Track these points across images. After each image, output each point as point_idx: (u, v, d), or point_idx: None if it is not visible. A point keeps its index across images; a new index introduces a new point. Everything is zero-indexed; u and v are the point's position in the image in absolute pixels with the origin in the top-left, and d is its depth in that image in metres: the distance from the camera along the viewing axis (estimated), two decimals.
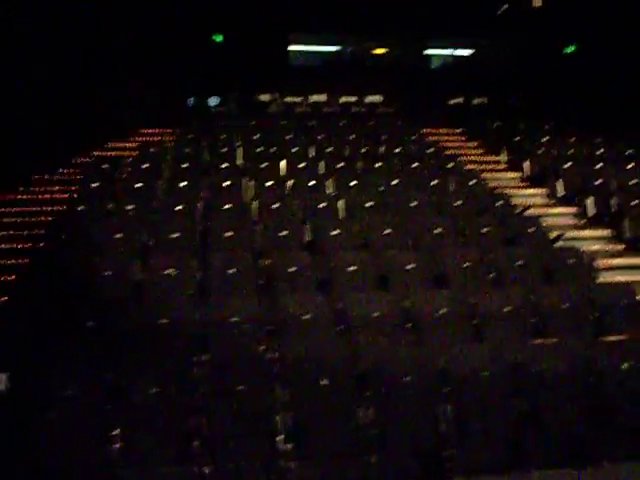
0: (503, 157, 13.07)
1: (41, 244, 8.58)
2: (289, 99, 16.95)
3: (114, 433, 4.89)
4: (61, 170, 11.57)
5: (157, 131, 13.77)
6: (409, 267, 7.31)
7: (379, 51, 18.68)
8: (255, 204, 9.14)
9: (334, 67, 18.09)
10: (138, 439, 4.95)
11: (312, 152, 11.95)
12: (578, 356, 5.73)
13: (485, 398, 5.41)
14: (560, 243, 8.80)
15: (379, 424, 5.23)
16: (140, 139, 13.37)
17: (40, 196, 10.60)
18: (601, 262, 8.68)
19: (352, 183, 10.07)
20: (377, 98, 16.93)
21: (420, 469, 5.23)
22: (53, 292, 6.72)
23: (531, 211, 10.01)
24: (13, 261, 8.52)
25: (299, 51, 18.41)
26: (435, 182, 10.38)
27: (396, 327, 6.29)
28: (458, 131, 14.94)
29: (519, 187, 11.85)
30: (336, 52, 18.76)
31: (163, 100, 14.88)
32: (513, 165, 12.64)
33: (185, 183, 9.87)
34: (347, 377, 5.36)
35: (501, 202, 9.91)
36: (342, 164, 11.01)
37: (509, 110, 16.88)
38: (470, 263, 7.49)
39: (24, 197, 10.65)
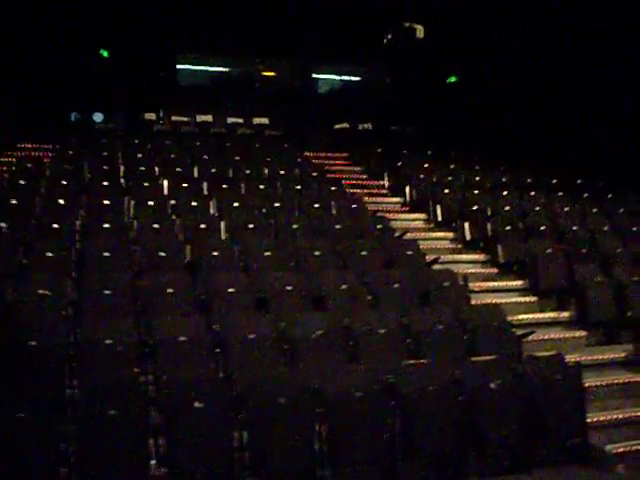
0: (385, 182, 13.38)
1: None
2: (176, 118, 16.80)
3: None
4: None
5: (36, 146, 13.30)
6: (288, 288, 7.35)
7: (268, 74, 18.82)
8: (135, 223, 8.97)
9: (222, 88, 18.08)
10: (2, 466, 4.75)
11: (196, 172, 11.86)
12: (449, 376, 5.92)
13: (359, 418, 5.49)
14: (437, 266, 9.05)
15: (254, 446, 5.23)
16: (17, 154, 12.85)
17: None
18: (475, 285, 9.00)
19: (235, 204, 10.05)
20: (264, 120, 17.02)
21: None
22: None
23: (410, 235, 10.28)
24: None
25: (187, 70, 18.31)
26: (317, 205, 10.49)
27: (273, 348, 6.30)
28: (343, 155, 15.20)
29: (400, 211, 12.15)
30: (224, 73, 18.76)
31: (43, 114, 14.42)
32: (395, 190, 12.96)
33: (63, 201, 9.57)
34: (222, 399, 5.31)
35: (381, 225, 10.13)
36: (226, 185, 10.96)
37: (392, 136, 17.34)
38: (348, 285, 7.61)
39: None
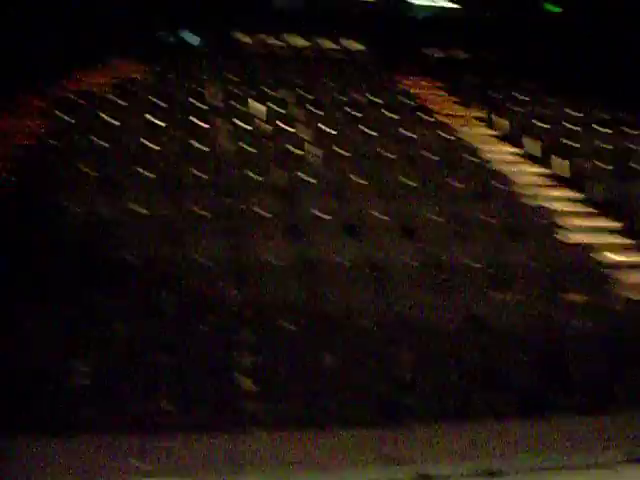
0: (479, 112, 13.07)
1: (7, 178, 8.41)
2: (270, 41, 16.69)
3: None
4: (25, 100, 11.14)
5: (129, 65, 13.42)
6: (380, 217, 7.37)
7: None
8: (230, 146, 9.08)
9: (315, 10, 17.76)
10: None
11: (290, 97, 11.84)
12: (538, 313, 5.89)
13: (446, 349, 5.54)
14: (530, 201, 8.87)
15: (340, 370, 5.35)
16: (111, 73, 13.01)
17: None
18: (569, 223, 8.80)
19: (329, 130, 10.04)
20: (359, 46, 16.74)
21: (379, 413, 5.37)
22: (19, 227, 6.66)
23: (504, 168, 10.07)
24: None
25: None
26: (411, 135, 10.37)
27: (362, 276, 6.37)
28: (437, 84, 14.86)
29: (494, 143, 11.87)
30: None
31: (137, 32, 14.41)
32: (489, 122, 12.65)
33: (161, 122, 9.75)
34: (312, 323, 5.43)
35: (474, 158, 9.96)
36: (319, 111, 10.93)
37: (490, 65, 16.81)
38: (439, 217, 7.57)
39: None
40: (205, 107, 10.79)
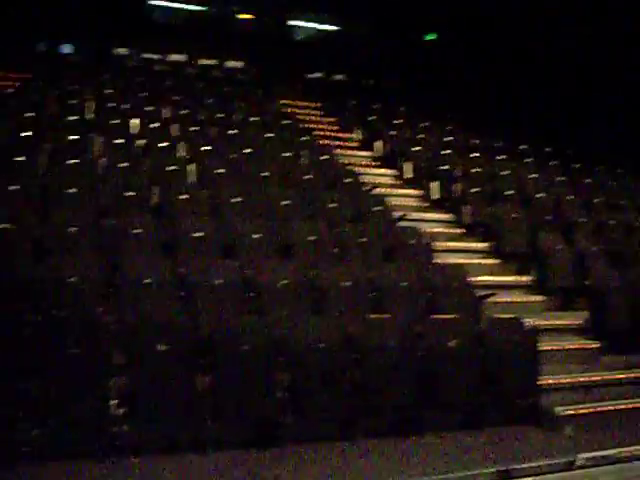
0: (357, 135, 13.33)
1: None
2: (148, 55, 16.42)
3: None
4: None
5: (5, 75, 12.87)
6: (256, 236, 7.35)
7: (244, 16, 18.41)
8: (102, 161, 8.83)
9: (197, 28, 17.64)
10: None
11: (166, 112, 11.67)
12: (410, 331, 6.02)
13: (321, 369, 5.56)
14: (403, 223, 9.10)
15: (216, 391, 5.27)
16: None
17: None
18: (439, 244, 9.07)
19: (205, 148, 9.94)
20: (238, 64, 16.76)
21: (256, 435, 5.33)
22: None
23: (379, 190, 10.27)
24: None
25: (162, 7, 17.80)
26: (288, 154, 10.42)
27: (238, 295, 6.32)
28: (316, 105, 15.05)
29: (370, 166, 12.13)
30: (200, 12, 18.27)
31: (9, 41, 13.86)
32: (366, 144, 12.92)
33: (29, 133, 9.37)
34: (186, 343, 5.32)
35: (351, 179, 10.13)
36: (196, 128, 10.82)
37: (367, 89, 17.22)
38: (316, 236, 7.63)
39: None
40: (79, 120, 10.45)
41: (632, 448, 5.66)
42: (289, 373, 5.49)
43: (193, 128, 10.83)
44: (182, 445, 5.14)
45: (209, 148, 9.98)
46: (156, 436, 5.09)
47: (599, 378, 7.00)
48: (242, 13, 18.31)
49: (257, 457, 5.15)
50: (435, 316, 6.66)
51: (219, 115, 11.85)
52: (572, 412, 6.28)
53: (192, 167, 9.06)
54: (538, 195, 10.95)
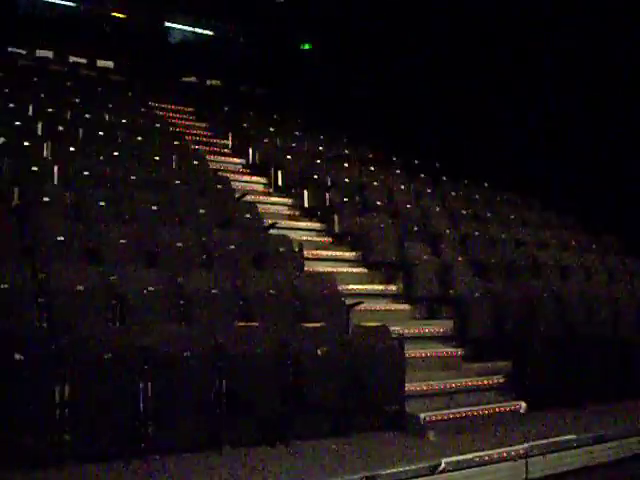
0: (229, 142, 13.22)
1: None
2: (12, 49, 15.61)
3: None
4: None
5: None
6: (122, 242, 7.12)
7: (118, 15, 17.88)
8: None
9: (67, 23, 16.95)
10: None
11: (31, 110, 11.11)
12: (278, 340, 5.99)
13: (186, 377, 5.44)
14: (274, 231, 9.08)
15: (75, 401, 5.04)
16: None
17: None
18: (310, 252, 9.13)
19: (71, 149, 9.54)
20: (109, 64, 16.26)
21: (117, 444, 5.15)
22: None
23: (250, 198, 10.24)
24: None
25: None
26: (158, 158, 10.18)
27: (101, 302, 6.08)
28: (189, 110, 14.81)
29: (241, 173, 12.07)
30: (71, 7, 17.56)
31: None
32: (238, 151, 12.83)
33: None
34: (44, 352, 5.06)
35: (221, 185, 10.02)
36: (62, 128, 10.36)
37: (241, 96, 17.13)
38: (183, 243, 7.47)
39: None
40: None
41: (492, 451, 5.87)
42: (155, 383, 5.32)
43: (60, 128, 10.36)
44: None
45: (75, 149, 9.57)
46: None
47: (462, 384, 7.23)
48: (116, 11, 17.80)
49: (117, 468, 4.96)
50: (304, 324, 6.67)
51: (87, 116, 11.40)
52: (436, 418, 6.46)
53: (56, 168, 8.65)
54: (407, 206, 11.24)
